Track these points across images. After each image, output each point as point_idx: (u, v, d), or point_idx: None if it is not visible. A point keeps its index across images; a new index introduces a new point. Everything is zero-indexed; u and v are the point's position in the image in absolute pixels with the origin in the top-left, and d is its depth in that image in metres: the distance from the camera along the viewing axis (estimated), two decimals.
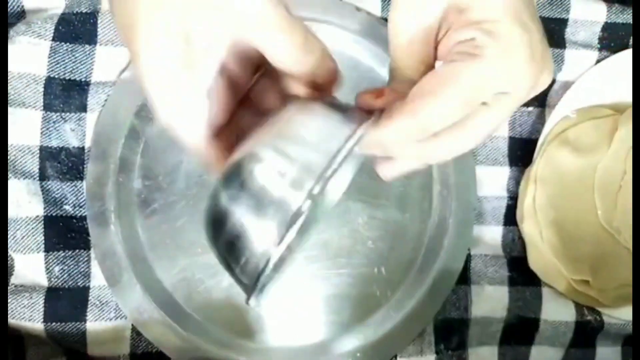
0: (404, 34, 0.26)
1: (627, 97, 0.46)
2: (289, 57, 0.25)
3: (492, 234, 0.45)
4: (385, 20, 0.44)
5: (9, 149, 0.39)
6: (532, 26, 0.25)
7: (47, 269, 0.40)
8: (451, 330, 0.43)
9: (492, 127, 0.26)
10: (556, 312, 0.44)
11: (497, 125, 0.26)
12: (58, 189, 0.41)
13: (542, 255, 0.44)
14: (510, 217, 0.45)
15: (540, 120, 0.45)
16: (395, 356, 0.43)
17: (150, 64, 0.25)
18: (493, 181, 0.45)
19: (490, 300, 0.44)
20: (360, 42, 0.44)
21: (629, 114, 0.45)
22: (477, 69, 0.24)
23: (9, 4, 0.41)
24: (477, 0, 0.24)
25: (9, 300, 0.40)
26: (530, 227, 0.44)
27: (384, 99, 0.26)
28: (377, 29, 0.44)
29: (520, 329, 0.44)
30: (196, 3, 0.24)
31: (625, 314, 0.45)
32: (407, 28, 0.26)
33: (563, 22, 0.44)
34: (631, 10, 0.45)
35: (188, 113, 0.26)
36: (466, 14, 0.25)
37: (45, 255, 0.40)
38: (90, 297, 0.41)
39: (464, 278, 0.44)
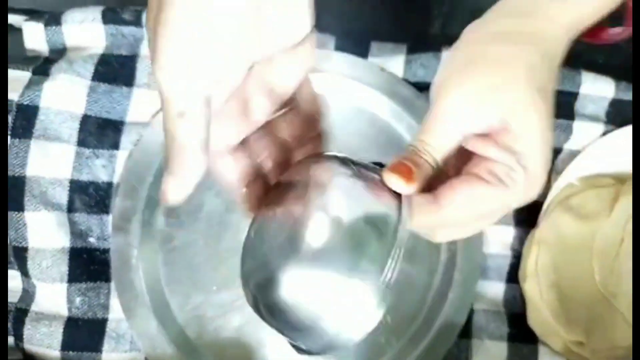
0: (447, 131, 0.28)
1: (628, 168, 0.48)
2: None
3: (494, 290, 0.47)
4: (406, 81, 0.46)
5: (40, 180, 0.41)
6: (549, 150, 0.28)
7: (69, 299, 0.41)
8: None
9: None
10: None
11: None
12: (84, 221, 0.42)
13: (540, 315, 0.46)
14: (513, 275, 0.47)
15: (547, 185, 0.48)
16: None
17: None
18: (499, 239, 0.47)
19: (490, 356, 0.46)
20: (381, 99, 0.46)
21: (629, 185, 0.47)
22: (505, 197, 0.28)
23: (51, 40, 0.43)
24: (522, 128, 0.27)
25: (28, 327, 0.41)
26: (532, 287, 0.46)
27: (413, 184, 0.27)
28: (397, 88, 0.46)
29: None
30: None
31: None
32: (454, 127, 0.28)
33: (573, 96, 0.47)
34: None
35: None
36: (509, 139, 0.28)
37: (67, 286, 0.41)
38: (107, 329, 0.42)
39: (466, 331, 0.46)
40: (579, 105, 0.47)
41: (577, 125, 0.47)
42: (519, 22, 0.29)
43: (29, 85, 0.41)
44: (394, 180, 0.27)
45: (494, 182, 0.27)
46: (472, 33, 0.30)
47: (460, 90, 0.28)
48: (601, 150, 0.47)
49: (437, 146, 0.28)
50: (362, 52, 0.46)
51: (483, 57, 0.28)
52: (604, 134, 0.48)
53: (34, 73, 0.42)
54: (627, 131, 0.48)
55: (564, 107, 0.47)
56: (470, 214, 0.28)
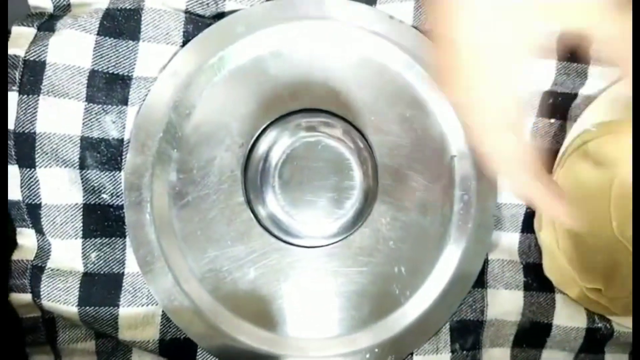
0: None
1: None
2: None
3: (509, 240, 0.47)
4: (416, 28, 0.45)
5: (51, 137, 0.41)
6: None
7: (84, 254, 0.42)
8: (467, 331, 0.45)
9: None
10: (568, 318, 0.46)
11: None
12: (97, 179, 0.42)
13: (557, 263, 0.46)
14: (528, 225, 0.47)
15: (562, 132, 0.47)
16: (412, 353, 0.45)
17: None
18: None
19: (506, 304, 0.46)
20: (390, 48, 0.45)
21: None
22: None
23: None
24: None
25: (44, 283, 0.41)
26: (548, 235, 0.46)
27: None
28: (407, 37, 0.45)
29: (532, 333, 0.46)
30: None
31: None
32: None
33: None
34: None
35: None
36: None
37: (82, 242, 0.42)
38: (124, 284, 0.42)
39: (481, 281, 0.46)
40: (594, 49, 0.46)
41: (593, 69, 0.46)
42: None
43: (35, 40, 0.41)
44: None
45: None
46: None
47: None
48: (618, 94, 0.46)
49: None
50: None
51: None
52: (621, 77, 0.47)
53: (39, 29, 0.41)
54: None
55: (579, 50, 0.46)
56: None
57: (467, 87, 0.31)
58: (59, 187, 0.41)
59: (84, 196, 0.42)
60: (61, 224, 0.41)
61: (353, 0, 0.45)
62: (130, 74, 0.42)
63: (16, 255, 0.42)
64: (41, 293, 0.41)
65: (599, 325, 0.47)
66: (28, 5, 0.43)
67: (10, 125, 0.40)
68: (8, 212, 0.41)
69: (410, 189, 0.46)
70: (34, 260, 0.42)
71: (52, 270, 0.42)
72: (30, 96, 0.40)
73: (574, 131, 0.46)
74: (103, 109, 0.42)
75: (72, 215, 0.41)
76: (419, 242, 0.46)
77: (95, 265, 0.42)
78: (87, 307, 0.42)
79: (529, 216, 0.47)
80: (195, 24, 0.43)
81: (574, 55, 0.45)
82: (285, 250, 0.44)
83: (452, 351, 0.45)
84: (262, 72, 0.44)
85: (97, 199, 0.42)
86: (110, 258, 0.42)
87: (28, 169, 0.40)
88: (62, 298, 0.41)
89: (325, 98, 0.45)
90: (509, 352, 0.46)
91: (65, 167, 0.41)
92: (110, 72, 0.42)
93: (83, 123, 0.42)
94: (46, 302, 0.41)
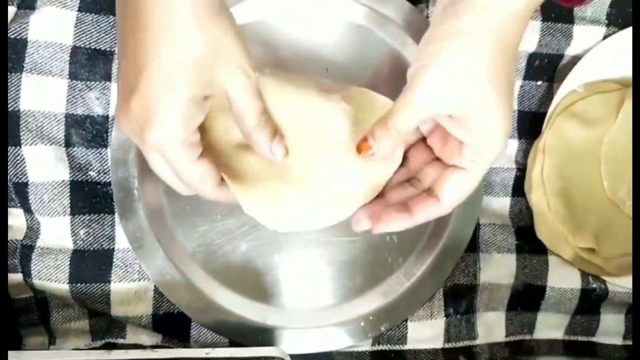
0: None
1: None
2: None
3: (500, 204, 0.47)
4: (415, 5, 0.45)
5: (36, 115, 0.41)
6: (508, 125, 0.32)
7: (73, 231, 0.42)
8: (460, 295, 0.45)
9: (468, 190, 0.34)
10: (562, 279, 0.46)
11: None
12: (83, 156, 0.42)
13: (549, 225, 0.46)
14: (519, 189, 0.47)
15: (549, 94, 0.47)
16: (406, 320, 0.45)
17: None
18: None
19: (498, 268, 0.46)
20: (387, 26, 0.45)
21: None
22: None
23: None
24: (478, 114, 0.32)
25: (35, 262, 0.41)
26: (538, 197, 0.45)
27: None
28: (406, 14, 0.45)
29: (526, 295, 0.46)
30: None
31: (628, 282, 0.47)
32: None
33: None
34: None
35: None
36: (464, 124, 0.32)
37: (71, 219, 0.41)
38: (114, 259, 0.42)
39: (473, 246, 0.46)
40: (578, 8, 0.46)
41: (578, 29, 0.46)
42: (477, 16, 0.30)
43: (15, 18, 0.40)
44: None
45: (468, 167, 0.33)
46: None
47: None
48: (603, 54, 0.46)
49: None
50: None
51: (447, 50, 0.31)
52: (606, 37, 0.47)
53: (19, 7, 0.41)
54: (629, 33, 0.46)
55: (563, 11, 0.46)
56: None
57: None
58: (45, 165, 0.41)
59: (70, 173, 0.42)
60: (49, 202, 0.41)
61: None
62: (112, 49, 0.42)
63: None
64: (32, 272, 0.41)
65: (594, 285, 0.47)
66: None
67: None
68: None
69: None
70: (23, 239, 0.42)
71: (41, 248, 0.42)
72: (13, 74, 0.40)
73: (561, 92, 0.46)
74: (87, 86, 0.42)
75: (59, 192, 0.41)
76: None
77: (84, 242, 0.42)
78: (78, 284, 0.42)
79: (519, 180, 0.47)
80: None
81: (557, 15, 0.45)
82: None
83: (446, 315, 0.45)
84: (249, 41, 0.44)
85: (84, 176, 0.42)
86: (99, 234, 0.42)
87: (13, 147, 0.40)
88: (52, 276, 0.41)
89: (313, 65, 0.44)
90: (503, 315, 0.46)
91: (50, 144, 0.41)
92: (93, 47, 0.42)
93: (67, 100, 0.41)
94: (37, 281, 0.41)
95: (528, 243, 0.46)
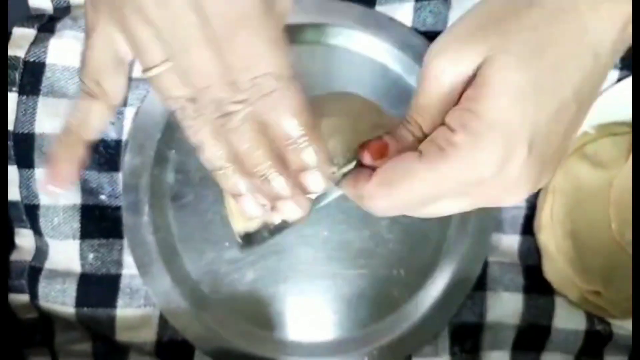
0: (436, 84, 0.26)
1: None
2: None
3: (509, 242, 0.47)
4: (416, 30, 0.45)
5: (50, 138, 0.41)
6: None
7: (82, 255, 0.42)
8: (466, 333, 0.45)
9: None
10: (568, 320, 0.46)
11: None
12: (95, 179, 0.42)
13: (556, 265, 0.46)
14: (528, 227, 0.47)
15: None
16: (410, 356, 0.45)
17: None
18: None
19: (505, 307, 0.45)
20: (390, 51, 0.45)
21: None
22: (442, 172, 0.25)
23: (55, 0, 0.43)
24: (488, 79, 0.24)
25: (42, 284, 0.41)
26: (547, 237, 0.45)
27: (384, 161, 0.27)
28: (407, 38, 0.45)
29: (532, 336, 0.46)
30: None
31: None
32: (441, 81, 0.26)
33: None
34: None
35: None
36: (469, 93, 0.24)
37: (80, 243, 0.41)
38: (121, 285, 0.42)
39: (481, 284, 0.45)
40: None
41: None
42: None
43: (35, 42, 0.41)
44: (367, 156, 0.28)
45: (430, 153, 0.25)
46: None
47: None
48: (616, 96, 0.46)
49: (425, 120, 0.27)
50: (369, 0, 0.45)
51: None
52: (619, 80, 0.47)
53: (39, 30, 0.41)
54: None
55: None
56: (400, 195, 0.27)
57: None
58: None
59: (82, 197, 0.42)
60: (59, 225, 0.41)
61: (352, 2, 0.45)
62: (128, 76, 0.42)
63: (14, 256, 0.42)
64: (39, 294, 0.41)
65: (598, 327, 0.46)
66: (28, 6, 0.43)
67: (10, 126, 0.40)
68: (7, 212, 0.41)
69: None
70: (31, 261, 0.42)
71: (49, 271, 0.42)
72: (30, 97, 0.40)
73: None
74: None
75: (70, 216, 0.41)
76: (419, 244, 0.45)
77: (92, 266, 0.42)
78: (84, 308, 0.41)
79: (529, 218, 0.47)
80: None
81: None
82: (284, 252, 0.44)
83: (452, 354, 0.44)
84: None
85: (95, 200, 0.42)
86: (107, 259, 0.42)
87: (27, 170, 0.40)
88: (59, 299, 0.41)
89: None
90: (508, 355, 0.45)
91: None
92: None
93: None
94: (43, 303, 0.41)
95: (535, 283, 0.46)
